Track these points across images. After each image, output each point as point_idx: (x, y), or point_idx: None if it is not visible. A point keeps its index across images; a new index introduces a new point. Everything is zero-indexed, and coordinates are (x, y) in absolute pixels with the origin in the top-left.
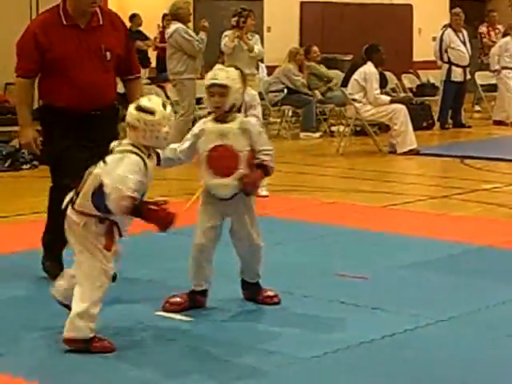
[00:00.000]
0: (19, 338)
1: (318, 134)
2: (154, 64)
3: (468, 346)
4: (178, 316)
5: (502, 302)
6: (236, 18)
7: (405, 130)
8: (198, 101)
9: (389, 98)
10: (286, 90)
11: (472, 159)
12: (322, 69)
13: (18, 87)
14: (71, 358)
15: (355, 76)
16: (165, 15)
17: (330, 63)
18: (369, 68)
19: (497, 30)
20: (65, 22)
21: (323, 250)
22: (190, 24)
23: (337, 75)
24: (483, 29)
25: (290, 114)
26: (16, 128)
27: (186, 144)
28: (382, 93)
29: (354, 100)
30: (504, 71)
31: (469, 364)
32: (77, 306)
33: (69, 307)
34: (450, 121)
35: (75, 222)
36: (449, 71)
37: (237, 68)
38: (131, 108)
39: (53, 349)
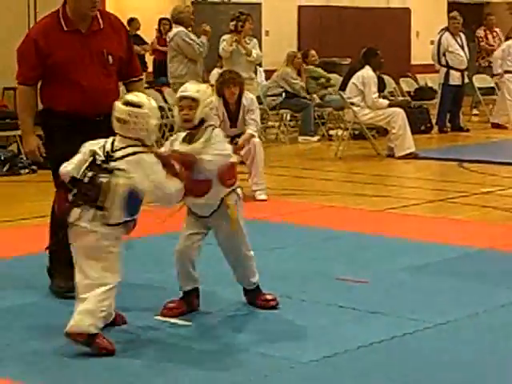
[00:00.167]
0: (20, 343)
1: (316, 138)
2: (150, 69)
3: (467, 349)
4: (176, 320)
5: (501, 306)
6: (234, 22)
7: (403, 133)
8: None
9: (387, 102)
10: (284, 94)
11: (470, 163)
12: (319, 70)
13: (19, 94)
14: (73, 364)
15: (353, 80)
16: (161, 19)
17: (328, 67)
18: (367, 72)
19: (494, 34)
20: (65, 28)
21: (322, 253)
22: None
23: (335, 79)
24: (481, 32)
25: (289, 117)
26: (14, 133)
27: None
28: (380, 96)
29: (352, 104)
30: (506, 75)
31: (468, 367)
32: (89, 303)
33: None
34: (448, 124)
35: (98, 236)
36: (447, 75)
37: (235, 72)
38: (119, 104)
39: (55, 355)
